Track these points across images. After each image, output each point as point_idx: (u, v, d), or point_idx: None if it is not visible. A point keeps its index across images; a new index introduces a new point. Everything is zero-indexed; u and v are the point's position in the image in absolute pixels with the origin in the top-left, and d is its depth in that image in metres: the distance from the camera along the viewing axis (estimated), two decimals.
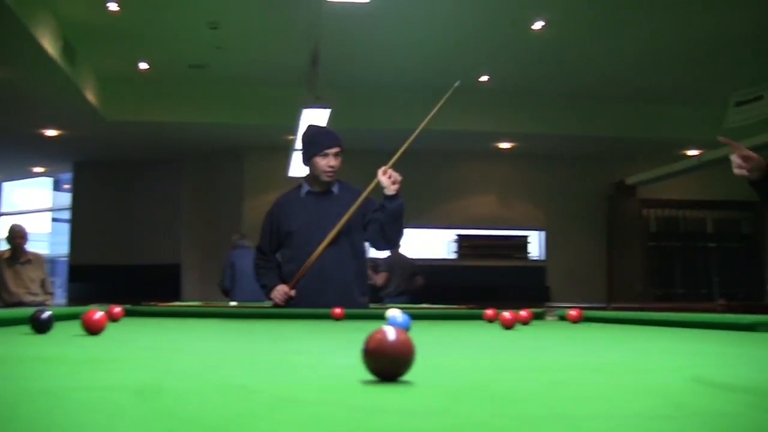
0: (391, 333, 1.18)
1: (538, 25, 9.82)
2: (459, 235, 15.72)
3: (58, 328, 2.45)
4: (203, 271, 15.14)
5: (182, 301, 12.17)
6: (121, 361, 1.64)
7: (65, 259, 17.08)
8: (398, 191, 4.68)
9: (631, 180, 14.58)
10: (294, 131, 10.08)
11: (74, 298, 15.38)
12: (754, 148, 3.62)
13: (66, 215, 17.63)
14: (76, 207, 16.92)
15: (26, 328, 2.38)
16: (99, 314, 2.30)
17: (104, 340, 2.18)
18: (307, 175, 5.03)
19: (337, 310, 3.99)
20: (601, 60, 11.30)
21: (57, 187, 19.54)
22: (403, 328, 1.73)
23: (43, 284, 9.01)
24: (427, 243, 15.76)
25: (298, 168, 12.32)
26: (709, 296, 14.98)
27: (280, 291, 4.84)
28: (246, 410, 0.93)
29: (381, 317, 3.51)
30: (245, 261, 10.73)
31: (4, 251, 8.97)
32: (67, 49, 9.94)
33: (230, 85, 12.50)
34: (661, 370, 1.57)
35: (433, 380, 1.28)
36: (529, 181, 15.77)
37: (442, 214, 15.42)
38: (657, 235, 15.72)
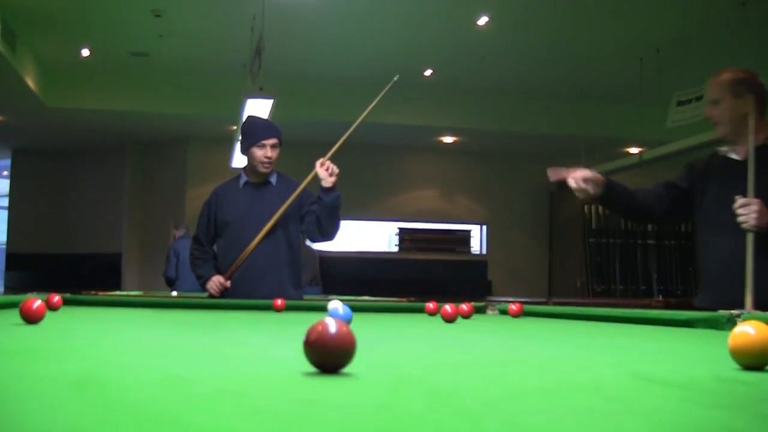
0: (332, 325, 1.18)
1: (482, 20, 9.86)
2: (401, 229, 15.76)
3: None
4: (144, 261, 15.03)
5: (123, 290, 12.08)
6: (60, 351, 1.62)
7: (2, 247, 16.84)
8: (335, 184, 4.69)
9: None
10: (237, 122, 10.03)
11: (11, 287, 15.19)
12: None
13: (3, 203, 17.36)
14: (14, 194, 16.64)
15: None
16: (37, 303, 2.27)
17: (43, 329, 2.15)
18: (246, 166, 5.04)
19: (279, 302, 3.98)
20: (544, 57, 11.38)
21: None
22: (345, 321, 1.73)
23: None
24: (369, 236, 15.78)
25: (241, 159, 12.28)
26: (647, 293, 15.19)
27: (215, 282, 4.83)
28: (185, 401, 0.93)
29: (322, 309, 3.51)
30: (187, 252, 10.73)
31: None
32: (7, 34, 9.77)
33: (173, 74, 12.39)
34: (599, 366, 1.59)
35: (374, 373, 1.29)
36: (472, 176, 15.85)
37: (384, 208, 15.45)
38: (597, 231, 15.88)
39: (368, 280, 13.31)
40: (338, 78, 12.42)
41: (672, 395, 1.08)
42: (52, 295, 3.31)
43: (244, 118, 9.31)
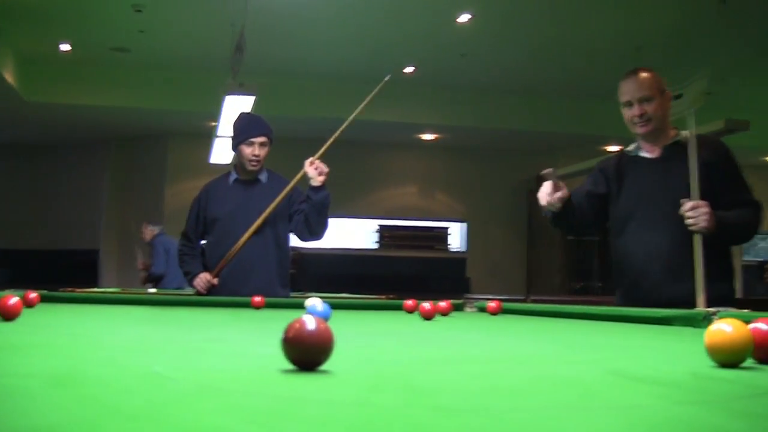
0: (310, 322, 1.18)
1: (464, 17, 9.87)
2: (381, 226, 15.75)
3: None
4: (122, 258, 14.96)
5: (100, 287, 12.04)
6: (37, 348, 1.61)
7: None
8: (324, 183, 4.70)
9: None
10: (217, 117, 10.00)
11: None
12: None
13: None
14: None
15: None
16: (14, 300, 2.26)
17: (19, 326, 2.14)
18: (236, 163, 5.03)
19: (257, 299, 3.97)
20: (524, 55, 11.40)
21: None
22: (323, 318, 1.73)
23: None
24: (349, 233, 15.76)
25: (220, 155, 12.24)
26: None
27: (203, 279, 4.82)
28: (164, 398, 0.93)
29: (301, 306, 3.51)
30: (176, 248, 10.75)
31: None
32: None
33: (153, 70, 12.33)
34: (577, 363, 1.60)
35: (352, 370, 1.29)
36: (452, 173, 15.86)
37: (364, 204, 15.44)
38: None
39: (348, 277, 13.30)
40: (319, 75, 12.41)
41: (649, 392, 1.09)
42: (29, 291, 3.30)
43: (225, 114, 9.33)
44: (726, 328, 1.31)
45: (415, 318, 3.30)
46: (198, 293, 4.80)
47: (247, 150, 4.87)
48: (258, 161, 4.90)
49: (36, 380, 1.06)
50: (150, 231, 10.99)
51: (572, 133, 13.81)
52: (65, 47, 11.23)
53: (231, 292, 4.60)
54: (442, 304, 3.44)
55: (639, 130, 3.79)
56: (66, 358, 1.41)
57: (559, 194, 3.79)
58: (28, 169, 16.14)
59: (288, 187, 4.78)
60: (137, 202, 15.02)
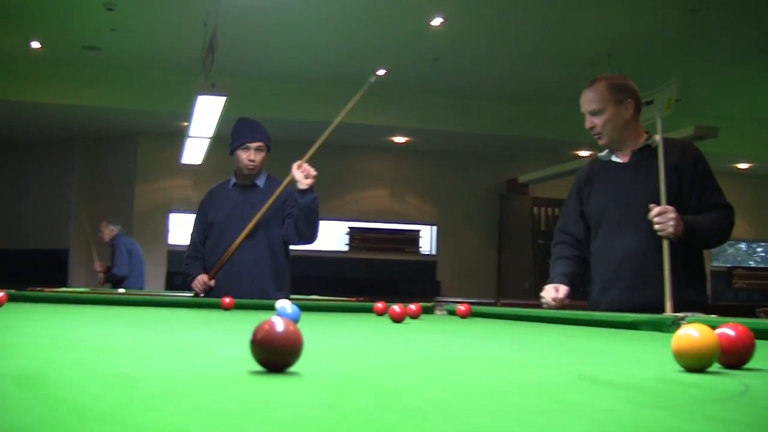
0: (279, 324, 1.18)
1: (436, 21, 9.89)
2: (351, 228, 15.75)
3: None
4: (92, 257, 14.88)
5: (69, 287, 11.96)
6: (4, 348, 1.60)
7: None
8: (312, 185, 4.74)
9: (523, 178, 14.79)
10: (189, 118, 9.97)
11: None
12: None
13: None
14: None
15: None
16: None
17: None
18: (236, 168, 5.11)
19: (227, 300, 3.97)
20: (497, 59, 11.44)
21: None
22: (292, 320, 1.73)
23: None
24: (320, 235, 15.74)
25: (192, 155, 12.20)
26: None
27: (200, 281, 4.92)
28: (131, 399, 0.93)
29: (271, 308, 3.50)
30: (138, 248, 10.79)
31: None
32: None
33: (125, 69, 12.25)
34: (545, 367, 1.60)
35: (321, 372, 1.29)
36: (423, 176, 15.88)
37: (334, 206, 15.42)
38: (546, 233, 15.97)
39: (318, 279, 13.28)
40: (291, 77, 12.39)
41: (616, 396, 1.10)
42: None
43: (193, 114, 9.31)
44: (693, 333, 1.32)
45: (384, 321, 3.30)
46: (196, 295, 4.87)
47: (243, 155, 4.96)
48: (254, 166, 4.98)
49: (2, 381, 1.05)
50: (109, 231, 10.90)
51: (543, 138, 13.87)
52: (36, 45, 11.15)
53: (224, 294, 4.61)
54: (412, 307, 3.44)
55: (598, 142, 3.83)
56: (33, 359, 1.40)
57: (563, 293, 3.80)
58: None
59: (277, 192, 4.83)
60: (107, 202, 14.92)
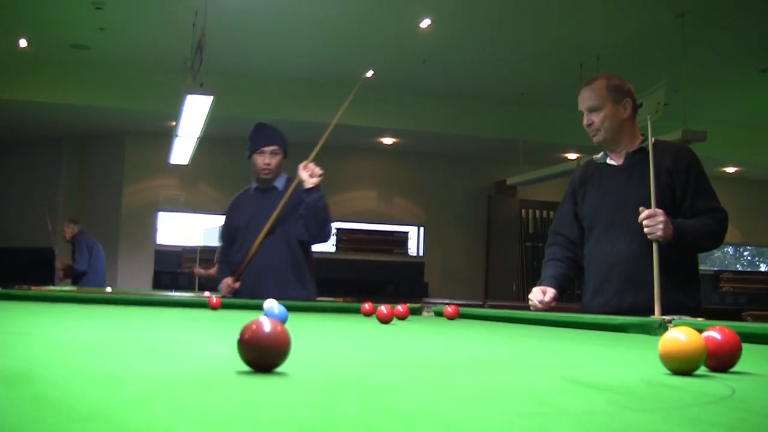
0: (266, 324, 1.18)
1: (425, 23, 9.89)
2: (339, 229, 15.74)
3: None
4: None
5: (56, 285, 11.91)
6: None
7: None
8: (318, 184, 4.87)
9: (511, 180, 14.82)
10: (177, 117, 9.95)
11: None
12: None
13: None
14: None
15: None
16: None
17: None
18: (255, 172, 5.21)
19: (214, 300, 3.97)
20: (485, 61, 11.45)
21: None
22: (280, 320, 1.73)
23: None
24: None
25: (180, 155, 12.18)
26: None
27: (224, 284, 5.06)
28: (117, 399, 0.92)
29: (258, 308, 3.50)
30: (99, 247, 10.93)
31: None
32: None
33: (113, 68, 12.23)
34: (531, 369, 1.60)
35: (308, 373, 1.29)
36: (411, 177, 15.89)
37: None
38: (534, 235, 16.01)
39: None
40: (279, 77, 12.39)
41: (602, 399, 1.10)
42: None
43: (182, 114, 9.29)
44: (680, 336, 1.32)
45: (372, 322, 3.30)
46: (224, 296, 4.91)
47: (259, 159, 5.08)
48: (270, 170, 5.08)
49: None
50: (71, 229, 11.11)
51: (531, 140, 13.89)
52: (23, 43, 11.11)
53: (247, 294, 4.78)
54: (400, 308, 3.44)
55: (593, 139, 3.82)
56: (18, 358, 1.39)
57: (549, 297, 3.81)
58: None
59: (288, 193, 4.93)
60: (94, 201, 14.90)
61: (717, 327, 1.47)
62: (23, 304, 3.79)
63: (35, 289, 5.42)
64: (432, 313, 4.35)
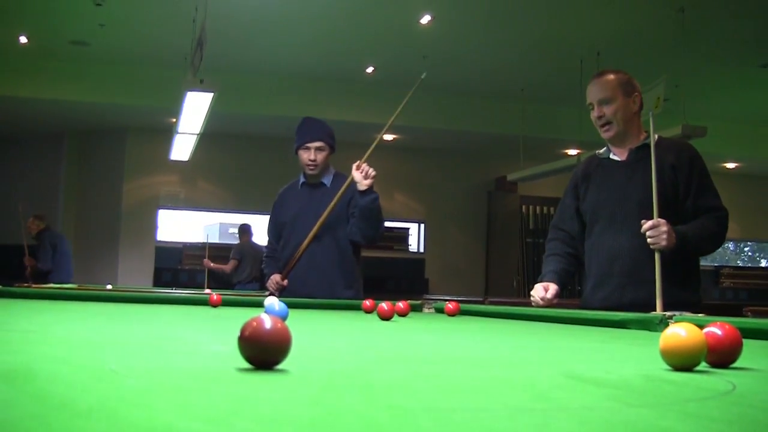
0: (267, 321, 1.18)
1: (425, 18, 9.89)
2: None
3: None
4: (79, 253, 14.82)
5: (56, 282, 11.89)
6: None
7: None
8: (371, 186, 4.83)
9: (511, 176, 14.81)
10: (177, 114, 9.95)
11: None
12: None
13: None
14: None
15: None
16: None
17: None
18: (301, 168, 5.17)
19: (214, 297, 3.97)
20: (485, 57, 11.44)
21: None
22: (281, 317, 1.73)
23: None
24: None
25: (181, 151, 12.18)
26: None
27: (273, 281, 4.99)
28: (118, 396, 0.92)
29: (259, 305, 3.50)
30: (65, 243, 10.90)
31: None
32: None
33: (113, 64, 12.22)
34: (532, 364, 1.61)
35: (308, 369, 1.29)
36: (411, 173, 15.87)
37: None
38: (534, 231, 16.01)
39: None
40: (280, 73, 12.38)
41: (602, 394, 1.10)
42: None
43: (182, 110, 9.28)
44: (680, 332, 1.32)
45: (373, 318, 3.30)
46: (271, 293, 4.89)
47: (304, 155, 5.03)
48: (315, 165, 5.03)
49: None
50: (36, 226, 11.04)
51: (532, 136, 13.87)
52: (23, 40, 11.10)
53: (293, 293, 4.77)
54: (400, 304, 3.45)
55: (603, 134, 3.81)
56: (19, 354, 1.39)
57: (551, 294, 3.80)
58: None
59: (339, 193, 4.88)
60: (95, 197, 14.89)
61: (717, 323, 1.47)
62: (24, 301, 3.79)
63: (36, 287, 5.43)
64: (432, 310, 4.35)
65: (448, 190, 15.99)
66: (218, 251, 13.41)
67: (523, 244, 15.94)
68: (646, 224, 3.42)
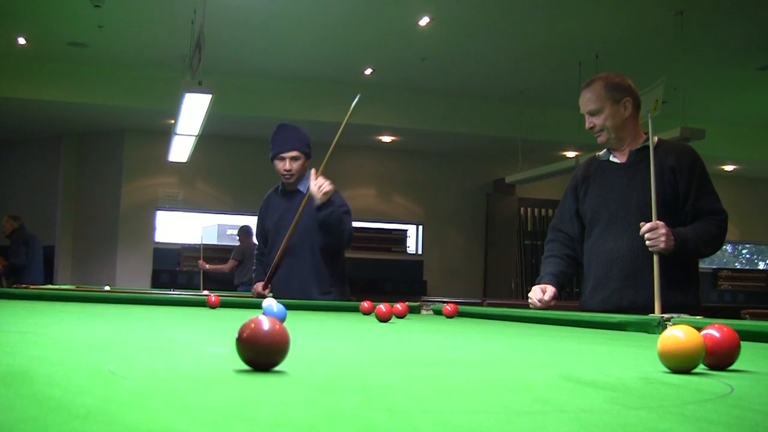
0: (265, 323, 1.18)
1: (424, 21, 9.89)
2: None
3: None
4: (77, 254, 14.83)
5: (55, 284, 11.93)
6: None
7: None
8: (328, 200, 4.78)
9: (510, 178, 14.83)
10: (175, 115, 9.95)
11: None
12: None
13: None
14: None
15: None
16: None
17: None
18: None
19: (213, 298, 3.97)
20: (484, 59, 11.45)
21: None
22: (279, 319, 1.73)
23: None
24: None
25: (179, 153, 12.18)
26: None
27: (255, 290, 5.06)
28: (116, 398, 0.92)
29: (257, 306, 3.50)
30: (37, 243, 11.02)
31: None
32: None
33: (111, 66, 12.22)
34: (530, 367, 1.61)
35: (306, 371, 1.29)
36: (409, 175, 15.88)
37: None
38: (533, 233, 16.02)
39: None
40: (278, 75, 12.38)
41: (600, 396, 1.10)
42: None
43: (180, 112, 9.28)
44: (678, 334, 1.32)
45: (371, 320, 3.30)
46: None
47: (279, 165, 5.04)
48: (291, 175, 5.04)
49: None
50: (10, 225, 11.26)
51: (530, 138, 13.87)
52: (21, 41, 11.10)
53: (276, 298, 4.72)
54: (398, 306, 3.45)
55: (598, 140, 3.82)
56: (16, 356, 1.39)
57: (549, 296, 3.80)
58: None
59: (300, 209, 4.83)
60: (94, 199, 14.88)
61: (716, 325, 1.47)
62: (22, 303, 3.79)
63: (34, 288, 5.43)
64: (431, 312, 4.35)
65: (447, 192, 16.00)
66: (215, 253, 13.42)
67: (521, 246, 15.95)
68: (645, 226, 3.43)
